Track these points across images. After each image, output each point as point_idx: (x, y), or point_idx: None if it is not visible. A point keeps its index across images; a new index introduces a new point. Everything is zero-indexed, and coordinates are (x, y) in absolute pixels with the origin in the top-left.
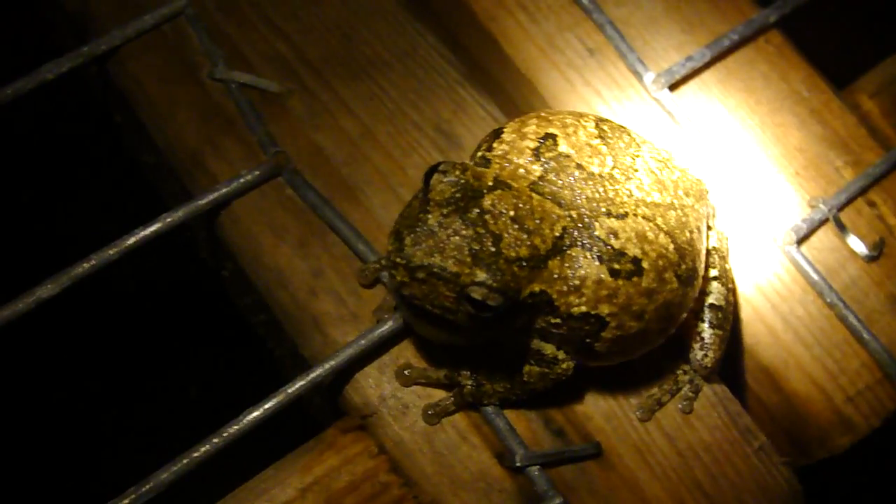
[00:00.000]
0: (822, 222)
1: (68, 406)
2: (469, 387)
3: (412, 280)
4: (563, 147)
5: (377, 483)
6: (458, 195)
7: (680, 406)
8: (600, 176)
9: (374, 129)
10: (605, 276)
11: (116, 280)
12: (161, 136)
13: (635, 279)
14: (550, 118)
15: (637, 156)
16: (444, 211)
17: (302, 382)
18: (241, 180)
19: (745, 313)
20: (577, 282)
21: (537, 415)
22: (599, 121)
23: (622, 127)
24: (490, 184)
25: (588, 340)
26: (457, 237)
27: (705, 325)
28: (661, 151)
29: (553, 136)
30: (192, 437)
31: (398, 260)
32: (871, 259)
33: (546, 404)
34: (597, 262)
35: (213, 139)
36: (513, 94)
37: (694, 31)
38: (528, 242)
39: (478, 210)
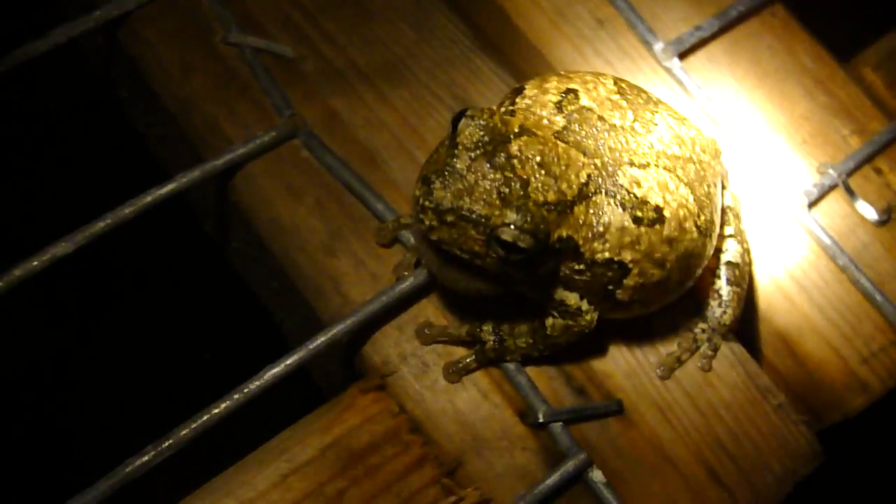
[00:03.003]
0: (832, 188)
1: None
2: (491, 342)
3: (441, 224)
4: (584, 101)
5: (398, 442)
6: (486, 139)
7: (699, 364)
8: (622, 128)
9: (390, 95)
10: (628, 223)
11: (119, 253)
12: (174, 102)
13: (657, 227)
14: (570, 76)
15: (655, 111)
16: (472, 155)
17: (323, 338)
18: (258, 141)
19: (759, 278)
20: (601, 228)
21: (558, 372)
22: (617, 79)
23: (639, 87)
24: (516, 130)
25: (610, 287)
26: (485, 180)
27: (723, 282)
28: (676, 111)
29: (574, 91)
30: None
31: (427, 203)
32: (880, 224)
33: (566, 362)
34: (620, 210)
35: (228, 103)
36: (523, 66)
37: (700, 3)
38: (555, 188)
39: (505, 154)
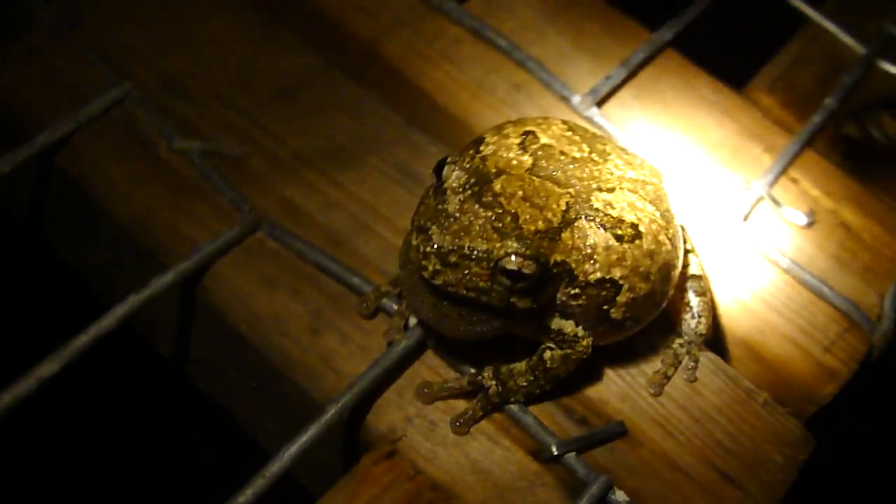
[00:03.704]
0: (759, 200)
1: None
2: (494, 387)
3: (445, 266)
4: (543, 139)
5: (423, 502)
6: (471, 181)
7: (685, 376)
8: (582, 159)
9: (340, 178)
10: (612, 241)
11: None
12: (128, 217)
13: (637, 242)
14: (523, 121)
15: (605, 143)
16: (461, 197)
17: (330, 413)
18: (224, 237)
19: (715, 293)
20: (589, 250)
21: (557, 408)
22: (562, 120)
23: (580, 125)
24: (494, 171)
25: (605, 307)
26: (479, 219)
27: (691, 295)
28: (617, 142)
29: (531, 132)
30: None
31: (428, 249)
32: (808, 226)
33: (563, 397)
34: (602, 231)
35: (185, 208)
36: (453, 139)
37: (601, 58)
38: (542, 217)
39: (491, 193)
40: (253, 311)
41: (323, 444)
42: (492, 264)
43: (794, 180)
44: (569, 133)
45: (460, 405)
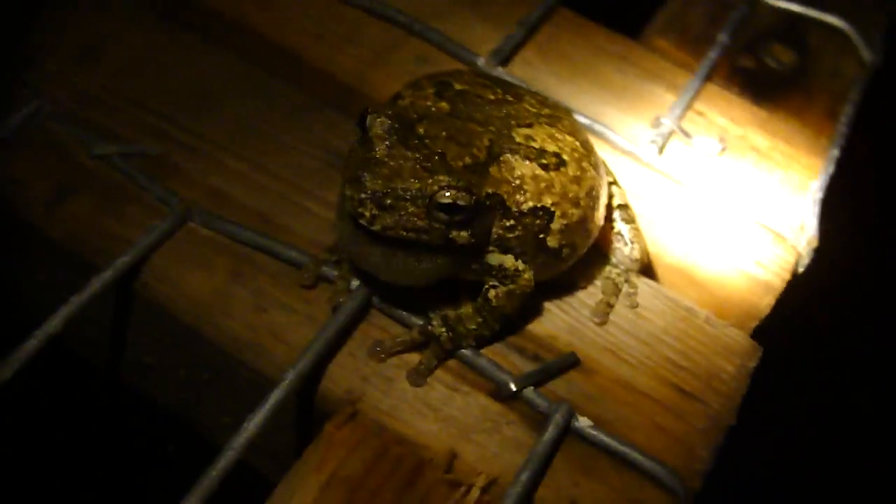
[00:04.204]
0: (671, 134)
1: None
2: (444, 333)
3: (381, 210)
4: (458, 86)
5: (391, 458)
6: (396, 126)
7: (627, 303)
8: (497, 101)
9: (261, 161)
10: (538, 171)
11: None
12: (58, 228)
13: (562, 169)
14: (436, 74)
15: (516, 86)
16: (388, 143)
17: (286, 382)
18: (157, 230)
19: (641, 225)
20: (518, 181)
21: (508, 349)
22: (471, 70)
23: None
24: (415, 116)
25: (541, 236)
26: (408, 161)
27: (620, 224)
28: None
29: (445, 82)
30: None
31: (363, 196)
32: (720, 153)
33: (513, 337)
34: (527, 162)
35: (115, 211)
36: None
37: (499, 22)
38: (468, 153)
39: (416, 136)
40: (195, 300)
41: (281, 423)
42: (426, 201)
43: (701, 113)
44: (480, 79)
45: (414, 358)
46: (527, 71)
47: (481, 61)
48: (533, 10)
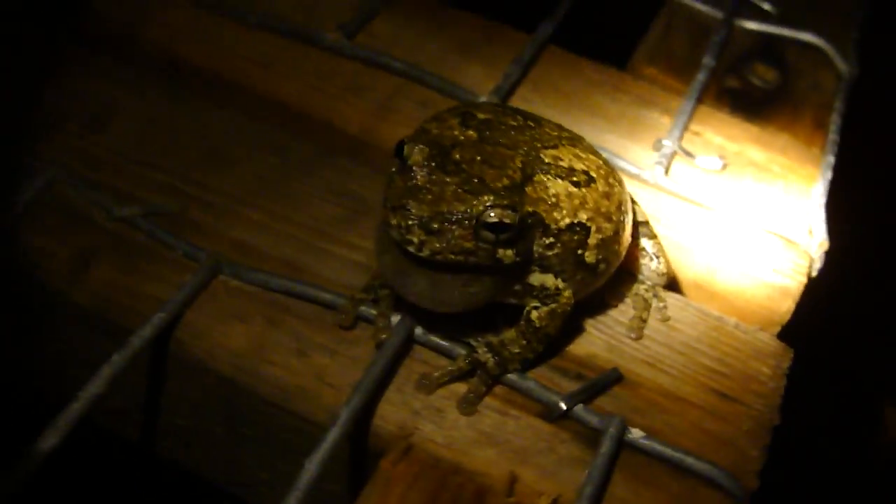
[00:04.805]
0: (674, 155)
1: None
2: (490, 359)
3: (429, 235)
4: (480, 116)
5: (451, 488)
6: (433, 153)
7: (658, 317)
8: (520, 126)
9: (279, 211)
10: (571, 188)
11: None
12: (84, 294)
13: (593, 185)
14: (456, 108)
15: (531, 113)
16: (427, 170)
17: (344, 415)
18: (188, 287)
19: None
20: (553, 199)
21: (552, 371)
22: (487, 101)
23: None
24: (448, 144)
25: (580, 252)
26: (450, 186)
27: (644, 240)
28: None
29: (468, 112)
30: None
31: (410, 223)
32: (722, 169)
33: (554, 360)
34: (560, 180)
35: (142, 270)
36: (373, 163)
37: (491, 63)
38: (505, 175)
39: (452, 162)
40: (234, 351)
41: (332, 470)
42: (473, 222)
43: (697, 133)
44: (500, 108)
45: (461, 388)
46: (525, 107)
47: (483, 100)
48: (525, 46)
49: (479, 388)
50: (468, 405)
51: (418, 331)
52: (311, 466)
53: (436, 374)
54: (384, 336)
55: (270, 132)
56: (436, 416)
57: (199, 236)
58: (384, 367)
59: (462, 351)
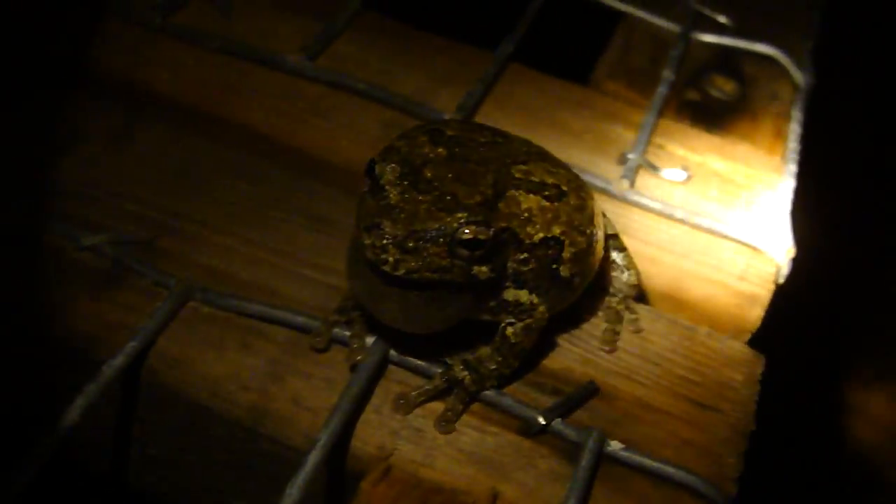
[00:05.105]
0: (638, 167)
1: None
2: (467, 377)
3: (404, 254)
4: (448, 133)
5: None
6: (405, 171)
7: (631, 328)
8: (488, 143)
9: (250, 236)
10: (543, 202)
11: None
12: (49, 323)
13: (564, 199)
14: (423, 126)
15: (499, 129)
16: (400, 188)
17: (324, 438)
18: (159, 313)
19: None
20: (526, 213)
21: (528, 386)
22: (454, 119)
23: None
24: (419, 162)
25: (554, 267)
26: (423, 204)
27: (614, 253)
28: None
29: (436, 129)
30: None
31: (385, 242)
32: (686, 181)
33: (529, 375)
34: (532, 195)
35: (111, 299)
36: (342, 184)
37: (455, 83)
38: (477, 191)
39: (424, 180)
40: (208, 377)
41: (312, 494)
42: (448, 239)
43: (660, 146)
44: (467, 125)
45: (439, 407)
46: (490, 124)
47: (448, 118)
48: (485, 67)
49: (456, 406)
50: (446, 423)
51: (393, 351)
52: (293, 491)
53: (413, 393)
54: (359, 357)
55: (237, 157)
56: (415, 436)
57: (169, 263)
58: (361, 389)
59: (438, 370)
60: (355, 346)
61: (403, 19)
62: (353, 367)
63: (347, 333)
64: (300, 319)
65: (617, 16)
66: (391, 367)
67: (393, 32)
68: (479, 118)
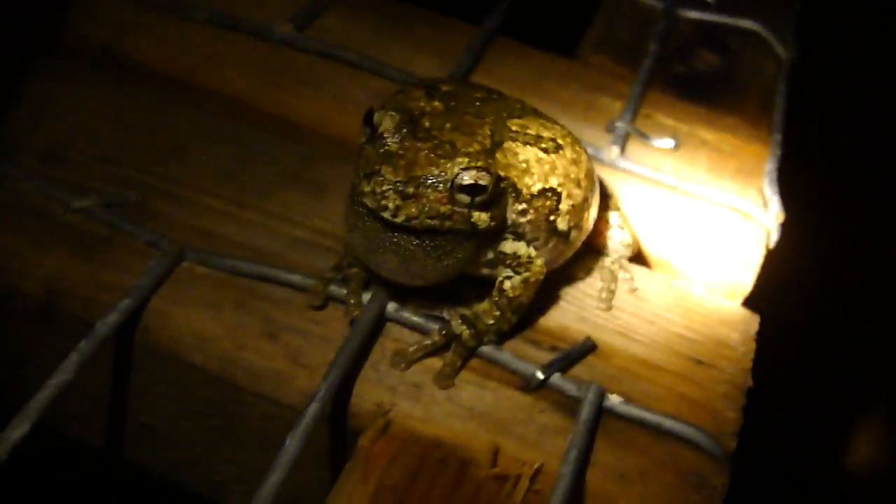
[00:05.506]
0: (627, 136)
1: None
2: (465, 331)
3: (405, 200)
4: (444, 88)
5: (433, 462)
6: (404, 119)
7: (626, 288)
8: (484, 98)
9: (241, 198)
10: (540, 154)
11: None
12: (38, 285)
13: (561, 152)
14: (417, 83)
15: (492, 88)
16: (399, 136)
17: (322, 391)
18: (153, 273)
19: None
20: (524, 165)
21: (525, 343)
22: (448, 78)
23: None
24: (417, 113)
25: (552, 219)
26: (422, 151)
27: (608, 213)
28: None
29: (432, 85)
30: None
31: (385, 188)
32: (675, 149)
33: (527, 332)
34: (529, 147)
35: (102, 260)
36: (333, 152)
37: (443, 54)
38: (475, 140)
39: (423, 129)
40: (203, 337)
41: (311, 453)
42: (449, 185)
43: (648, 115)
44: (461, 83)
45: (436, 364)
46: None
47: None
48: (475, 36)
49: (454, 361)
50: (445, 379)
51: (390, 307)
52: (293, 442)
53: (410, 349)
54: (356, 313)
55: (226, 124)
56: (413, 392)
57: (161, 225)
58: (360, 343)
59: (435, 326)
60: (352, 302)
61: None
62: (352, 323)
63: (344, 291)
64: (296, 278)
65: None
66: (388, 325)
67: (379, 5)
68: None
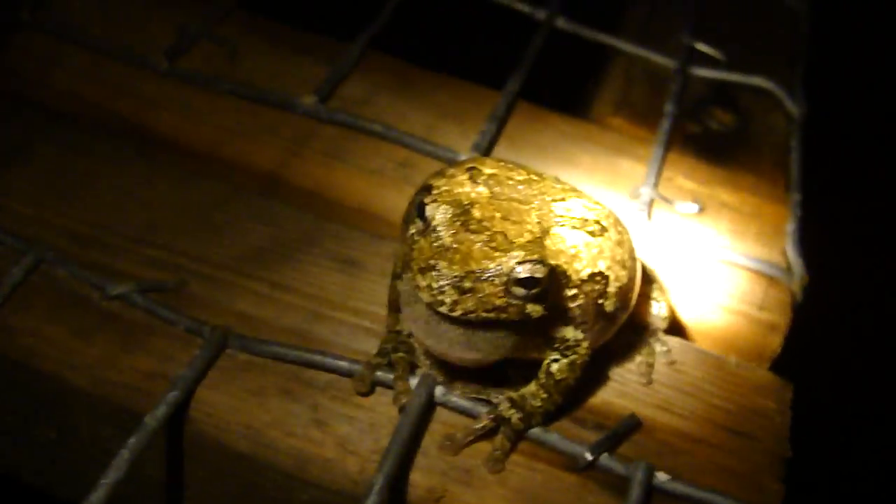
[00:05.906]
0: (651, 202)
1: None
2: (514, 415)
3: (462, 295)
4: (487, 171)
5: None
6: (456, 212)
7: (664, 360)
8: (526, 180)
9: (280, 280)
10: (587, 238)
11: None
12: (79, 376)
13: (606, 235)
14: (458, 162)
15: (528, 167)
16: (453, 230)
17: (380, 482)
18: (197, 362)
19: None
20: (573, 250)
21: (570, 423)
22: (485, 157)
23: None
24: (466, 202)
25: (600, 302)
26: (475, 244)
27: (646, 286)
28: None
29: (474, 167)
30: None
31: (442, 283)
32: (699, 213)
33: (571, 412)
34: (576, 232)
35: (143, 347)
36: (364, 226)
37: (465, 121)
38: (525, 230)
39: (475, 221)
40: (250, 426)
41: None
42: (505, 279)
43: (669, 179)
44: (501, 163)
45: (485, 447)
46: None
47: (463, 157)
48: (497, 102)
49: (504, 444)
50: (496, 462)
51: (438, 391)
52: None
53: (459, 434)
54: (405, 399)
55: (256, 200)
56: (464, 477)
57: (199, 310)
58: (411, 430)
59: (483, 409)
60: (400, 387)
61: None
62: (401, 409)
63: (391, 376)
64: (342, 364)
65: (613, 53)
66: (435, 410)
67: (398, 71)
68: (494, 155)
